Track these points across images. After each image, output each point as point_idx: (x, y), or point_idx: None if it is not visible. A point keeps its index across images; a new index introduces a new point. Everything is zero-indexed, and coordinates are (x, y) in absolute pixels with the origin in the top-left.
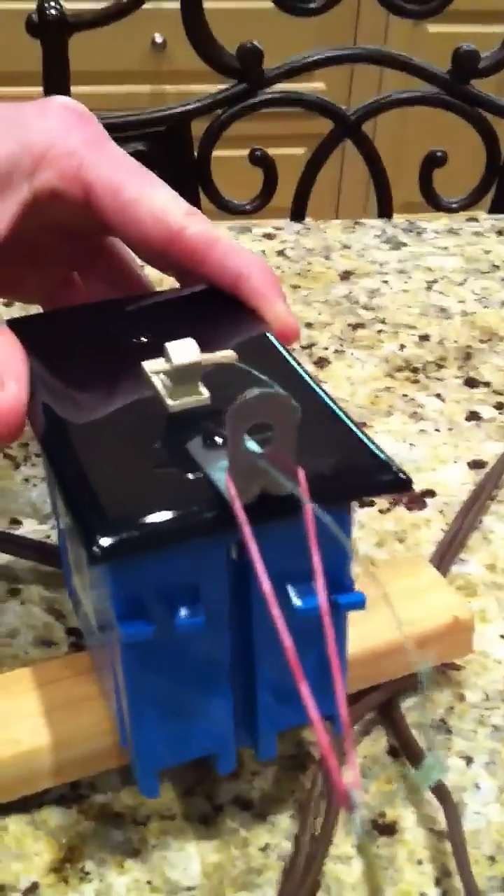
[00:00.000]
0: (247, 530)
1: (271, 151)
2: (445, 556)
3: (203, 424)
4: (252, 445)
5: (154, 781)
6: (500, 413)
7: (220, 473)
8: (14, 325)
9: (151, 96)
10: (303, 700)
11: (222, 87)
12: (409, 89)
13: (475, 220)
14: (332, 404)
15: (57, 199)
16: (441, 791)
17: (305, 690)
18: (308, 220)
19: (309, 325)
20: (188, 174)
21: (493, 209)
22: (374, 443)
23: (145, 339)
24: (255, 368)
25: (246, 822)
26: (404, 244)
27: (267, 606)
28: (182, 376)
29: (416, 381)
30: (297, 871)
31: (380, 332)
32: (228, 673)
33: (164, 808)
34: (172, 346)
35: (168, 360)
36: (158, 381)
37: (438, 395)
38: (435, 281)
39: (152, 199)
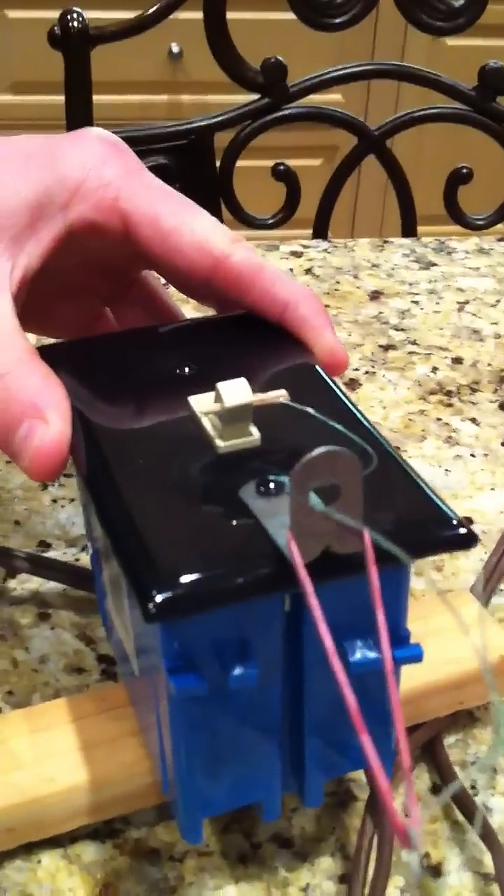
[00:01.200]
0: (311, 595)
1: (288, 162)
2: (487, 587)
3: (254, 468)
4: (316, 503)
5: (198, 828)
6: None
7: (279, 529)
8: (44, 352)
9: (168, 106)
10: (364, 750)
11: (246, 99)
12: (431, 105)
13: None
14: (389, 449)
15: (94, 232)
16: (488, 833)
17: (367, 741)
18: (332, 238)
19: None
20: (210, 187)
21: None
22: (435, 493)
23: (188, 370)
24: (307, 407)
25: (286, 861)
26: (434, 264)
27: (326, 662)
28: (233, 417)
29: (449, 405)
30: None
31: (411, 353)
32: (279, 725)
33: (202, 845)
34: (224, 387)
35: (219, 400)
36: (207, 421)
37: (473, 420)
38: (467, 302)
39: (193, 227)
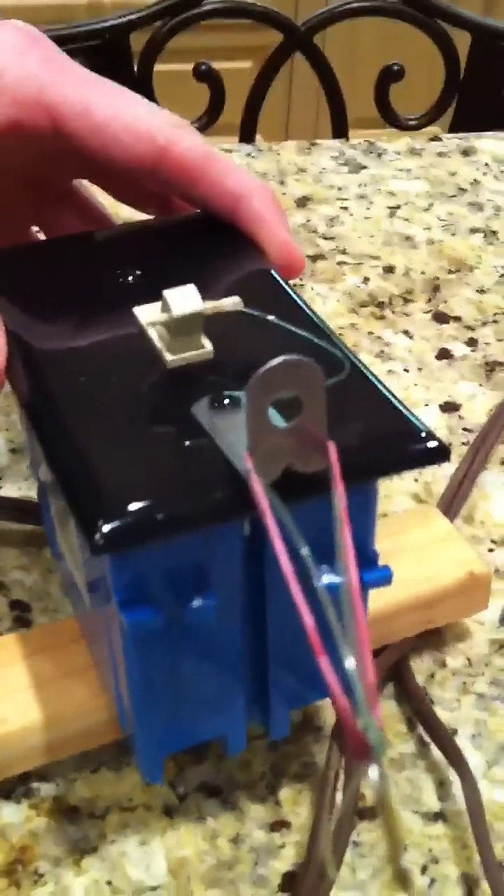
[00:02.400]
0: (271, 521)
1: (215, 66)
2: (452, 504)
3: (208, 382)
4: (276, 419)
5: (158, 768)
6: (472, 350)
7: (235, 448)
8: None
9: (88, 8)
10: (322, 672)
11: None
12: None
13: (438, 139)
14: (353, 359)
15: (16, 131)
16: (451, 752)
17: (325, 662)
18: (259, 141)
19: None
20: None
21: (454, 126)
22: (403, 405)
23: (131, 278)
24: (262, 314)
25: (214, 811)
26: (364, 167)
27: (286, 587)
28: (182, 328)
29: (381, 318)
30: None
31: (341, 263)
32: (240, 656)
33: (124, 799)
34: (172, 295)
35: (167, 309)
36: (154, 333)
37: (406, 332)
38: (398, 207)
39: (131, 114)
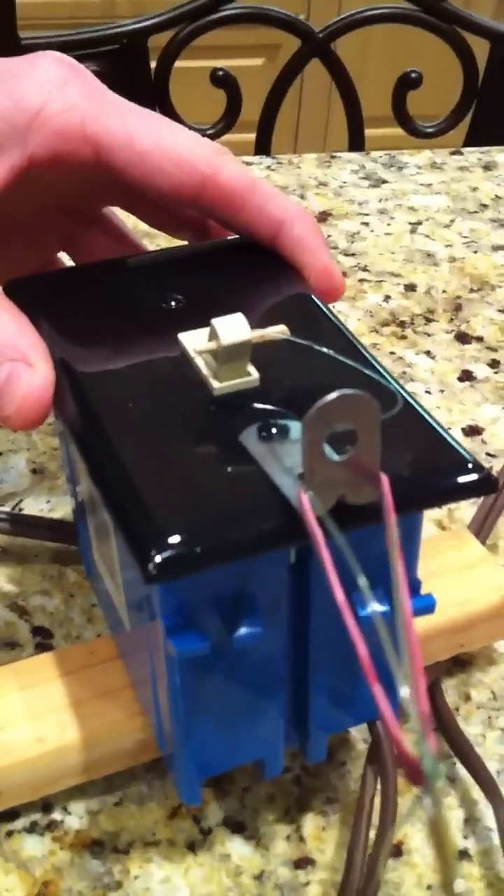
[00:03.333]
0: (325, 553)
1: (227, 63)
2: (484, 527)
3: (254, 410)
4: (330, 453)
5: (197, 789)
6: (494, 372)
7: (285, 478)
8: (6, 289)
9: (101, 5)
10: (376, 700)
11: (182, 0)
12: (378, 5)
13: (459, 153)
14: (400, 389)
15: (58, 161)
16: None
17: (379, 691)
18: (275, 153)
19: None
20: (145, 95)
21: (471, 135)
22: (450, 436)
23: (174, 303)
24: (309, 342)
25: (238, 848)
26: (385, 181)
27: (333, 615)
28: (230, 356)
29: (403, 337)
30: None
31: (362, 281)
32: (283, 681)
33: (147, 834)
34: (220, 324)
35: (215, 338)
36: (201, 360)
37: (428, 353)
38: (419, 223)
39: (173, 143)
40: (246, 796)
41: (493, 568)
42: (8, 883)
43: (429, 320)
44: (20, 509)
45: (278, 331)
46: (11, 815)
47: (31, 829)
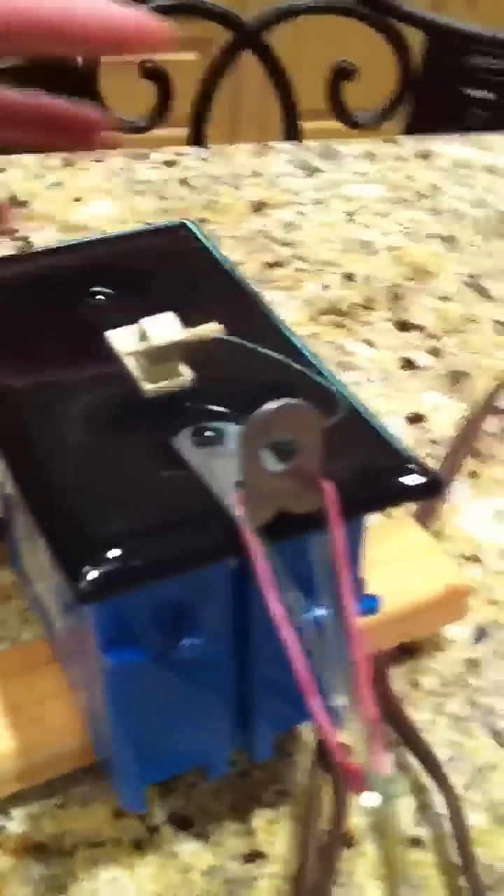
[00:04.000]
0: (262, 568)
1: (161, 58)
2: (427, 515)
3: (188, 412)
4: (270, 462)
5: (141, 796)
6: (436, 360)
7: (224, 487)
8: None
9: None
10: (314, 714)
11: None
12: None
13: (394, 142)
14: (340, 388)
15: None
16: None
17: (317, 706)
18: (211, 145)
19: None
20: (74, 88)
21: (411, 125)
22: (394, 437)
23: (101, 297)
24: (244, 341)
25: (186, 844)
26: (320, 170)
27: (277, 632)
28: (161, 356)
29: (342, 326)
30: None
31: (299, 270)
32: (226, 686)
33: (92, 834)
34: (150, 324)
35: (144, 338)
36: (131, 361)
37: (368, 342)
38: (356, 212)
39: None
40: (192, 792)
41: (437, 556)
42: None
43: (368, 309)
44: None
45: (211, 329)
46: None
47: None
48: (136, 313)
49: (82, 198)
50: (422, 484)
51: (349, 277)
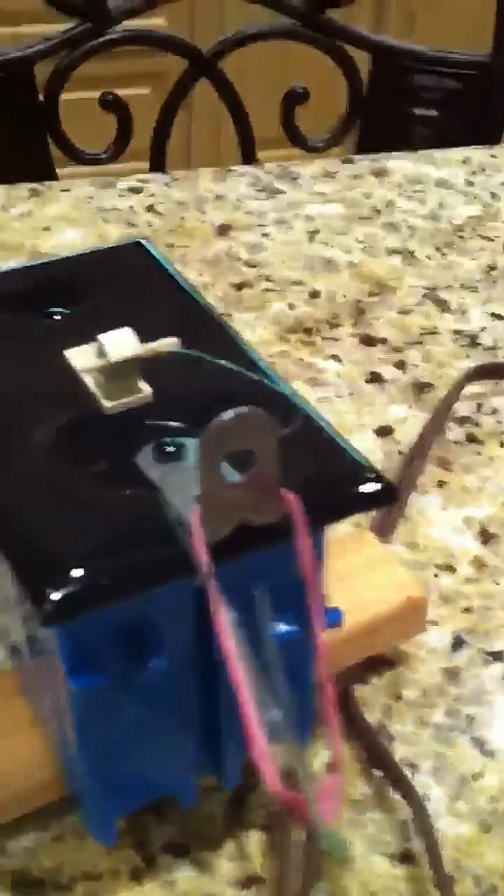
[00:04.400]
0: (213, 591)
1: (115, 92)
2: (385, 526)
3: (148, 429)
4: (228, 472)
5: (111, 828)
6: (402, 373)
7: (186, 502)
8: None
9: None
10: (259, 768)
11: (65, 27)
12: (260, 22)
13: (351, 161)
14: (296, 401)
15: None
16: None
17: (264, 760)
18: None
19: None
20: (34, 122)
21: (361, 145)
22: (349, 445)
23: (58, 316)
24: (201, 354)
25: (182, 871)
26: (280, 191)
27: (247, 636)
28: (119, 372)
29: (310, 343)
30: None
31: (266, 290)
32: (192, 711)
33: (89, 866)
34: (107, 339)
35: (102, 354)
36: (90, 378)
37: (335, 357)
38: (317, 231)
39: None
40: (186, 819)
41: (396, 568)
42: None
43: (333, 325)
44: None
45: (168, 343)
46: None
47: None
48: (94, 331)
49: (50, 227)
50: (376, 491)
51: (314, 295)
